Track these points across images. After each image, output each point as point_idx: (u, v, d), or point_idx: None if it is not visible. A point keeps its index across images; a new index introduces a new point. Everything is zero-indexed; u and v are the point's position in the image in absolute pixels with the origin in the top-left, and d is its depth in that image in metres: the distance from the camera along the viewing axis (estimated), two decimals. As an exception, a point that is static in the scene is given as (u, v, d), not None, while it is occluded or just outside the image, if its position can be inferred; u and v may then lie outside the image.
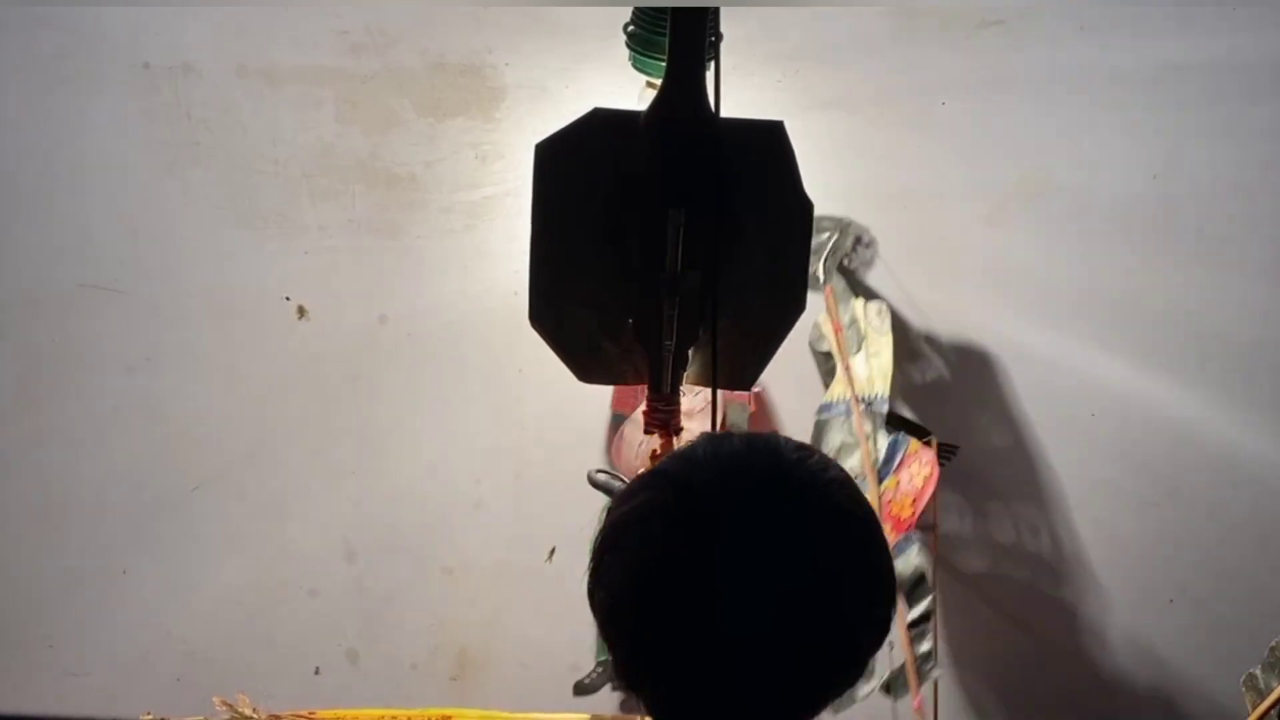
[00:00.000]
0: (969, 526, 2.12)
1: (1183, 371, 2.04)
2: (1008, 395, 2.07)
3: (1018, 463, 2.10)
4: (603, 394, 1.98)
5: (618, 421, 1.91)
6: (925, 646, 1.80)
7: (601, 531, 0.91)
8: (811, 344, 1.99)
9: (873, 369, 1.88)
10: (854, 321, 1.90)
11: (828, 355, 1.95)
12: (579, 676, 1.95)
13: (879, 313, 1.91)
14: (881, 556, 0.88)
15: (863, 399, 1.87)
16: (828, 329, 1.93)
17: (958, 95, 1.96)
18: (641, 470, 1.44)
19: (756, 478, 0.87)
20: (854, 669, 0.87)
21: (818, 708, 0.88)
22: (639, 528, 0.87)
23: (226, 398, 1.99)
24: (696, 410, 1.83)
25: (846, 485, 0.89)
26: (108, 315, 1.94)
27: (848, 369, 1.88)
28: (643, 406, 1.83)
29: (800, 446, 0.89)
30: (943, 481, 2.09)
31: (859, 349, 1.89)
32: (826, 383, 1.96)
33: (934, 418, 2.08)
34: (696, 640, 0.83)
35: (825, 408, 1.94)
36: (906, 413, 1.94)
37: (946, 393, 2.07)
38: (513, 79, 1.91)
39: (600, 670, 1.92)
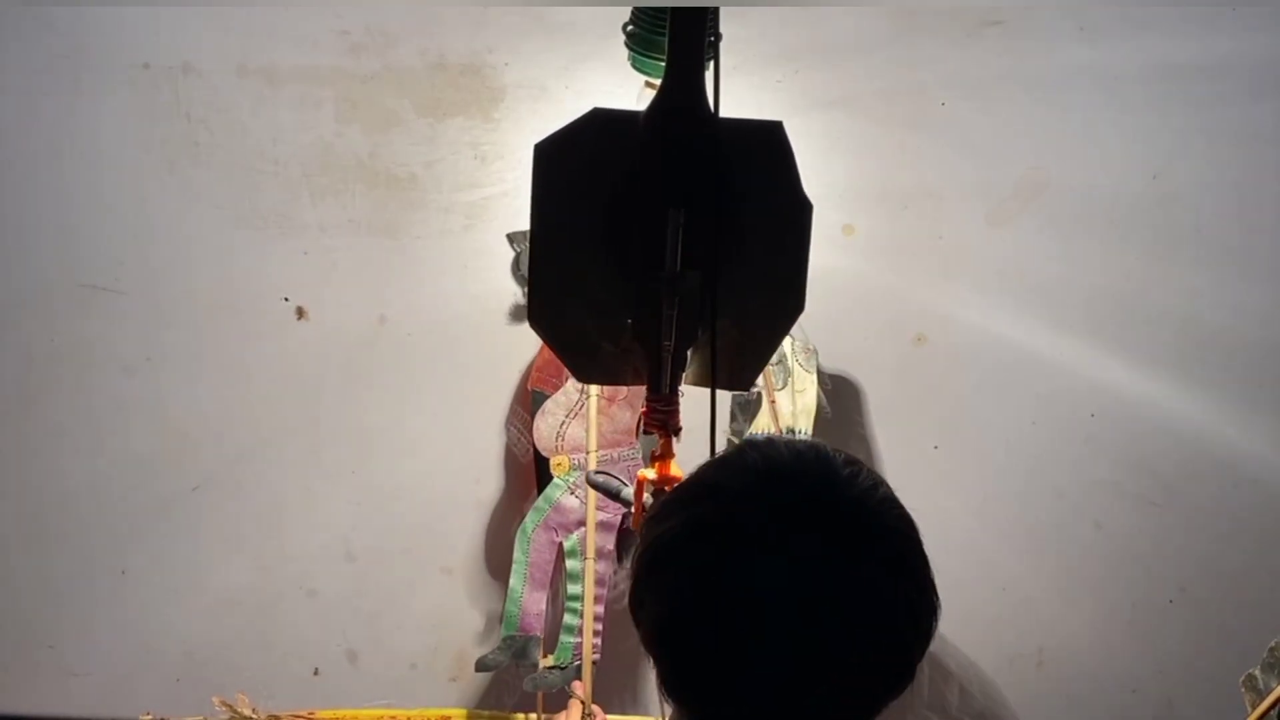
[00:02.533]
0: (965, 524, 2.12)
1: (1183, 372, 2.04)
2: (1007, 395, 2.07)
3: (1016, 462, 2.10)
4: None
5: (538, 399, 1.91)
6: None
7: (646, 545, 0.90)
8: None
9: (797, 405, 1.94)
10: (782, 359, 1.95)
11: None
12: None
13: (805, 352, 1.97)
14: (926, 573, 0.89)
15: (786, 430, 1.91)
16: None
17: (958, 95, 1.96)
18: (641, 474, 1.44)
19: (808, 496, 0.87)
20: (902, 682, 0.88)
21: None
22: (690, 545, 0.86)
23: (226, 398, 1.99)
24: (619, 397, 1.89)
25: (895, 504, 0.89)
26: (108, 315, 1.94)
27: (773, 403, 1.92)
28: (565, 387, 1.88)
29: (849, 461, 0.90)
30: (939, 482, 2.09)
31: (784, 385, 1.94)
32: (738, 414, 1.96)
33: (931, 415, 2.09)
34: (742, 658, 0.83)
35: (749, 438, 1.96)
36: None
37: (941, 391, 2.08)
38: (513, 79, 1.91)
39: (502, 647, 1.92)
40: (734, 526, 0.85)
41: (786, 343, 1.96)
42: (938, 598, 0.89)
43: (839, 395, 2.03)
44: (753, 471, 0.88)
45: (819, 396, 1.97)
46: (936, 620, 0.89)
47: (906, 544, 0.88)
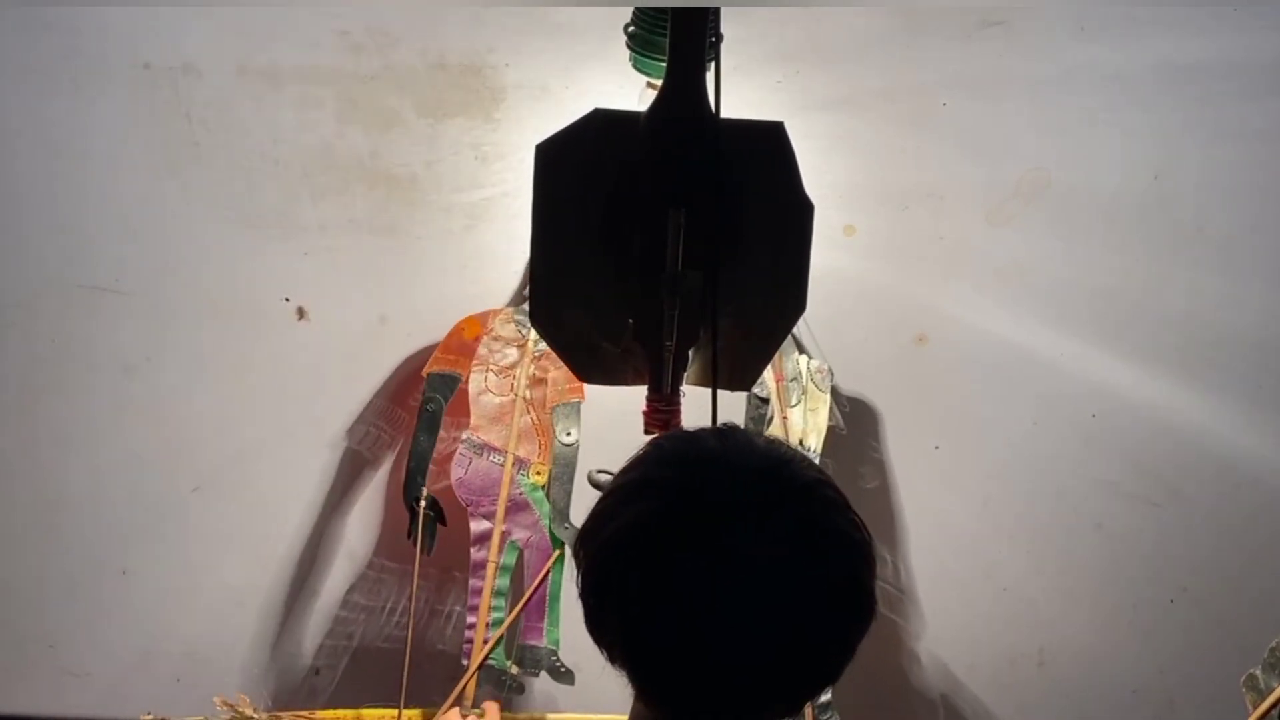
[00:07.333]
0: (966, 524, 2.12)
1: (1184, 372, 2.04)
2: (1008, 395, 2.07)
3: (1017, 462, 2.10)
4: (604, 395, 1.98)
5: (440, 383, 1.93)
6: (824, 697, 1.88)
7: (590, 564, 0.89)
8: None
9: (808, 423, 1.95)
10: (798, 376, 1.96)
11: (764, 400, 1.97)
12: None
13: (821, 372, 1.98)
14: (853, 510, 0.89)
15: (796, 444, 1.94)
16: (769, 378, 1.96)
17: (958, 95, 1.96)
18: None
19: (763, 473, 0.87)
20: (870, 619, 0.89)
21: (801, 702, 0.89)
22: (655, 540, 0.85)
23: (226, 398, 1.99)
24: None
25: (806, 456, 0.90)
26: (108, 315, 1.94)
27: (785, 418, 1.93)
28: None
29: (756, 431, 0.91)
30: (940, 482, 2.09)
31: (798, 402, 1.95)
32: (750, 427, 1.97)
33: (932, 415, 2.09)
34: (729, 648, 0.84)
35: None
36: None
37: (942, 391, 2.08)
38: (513, 79, 1.91)
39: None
40: (706, 509, 0.84)
41: (803, 361, 1.97)
42: (871, 565, 0.89)
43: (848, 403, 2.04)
44: (698, 460, 0.88)
45: (834, 415, 1.97)
46: (871, 607, 0.89)
47: (838, 492, 0.89)
